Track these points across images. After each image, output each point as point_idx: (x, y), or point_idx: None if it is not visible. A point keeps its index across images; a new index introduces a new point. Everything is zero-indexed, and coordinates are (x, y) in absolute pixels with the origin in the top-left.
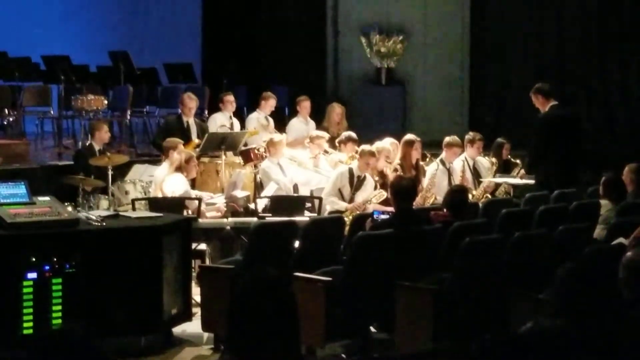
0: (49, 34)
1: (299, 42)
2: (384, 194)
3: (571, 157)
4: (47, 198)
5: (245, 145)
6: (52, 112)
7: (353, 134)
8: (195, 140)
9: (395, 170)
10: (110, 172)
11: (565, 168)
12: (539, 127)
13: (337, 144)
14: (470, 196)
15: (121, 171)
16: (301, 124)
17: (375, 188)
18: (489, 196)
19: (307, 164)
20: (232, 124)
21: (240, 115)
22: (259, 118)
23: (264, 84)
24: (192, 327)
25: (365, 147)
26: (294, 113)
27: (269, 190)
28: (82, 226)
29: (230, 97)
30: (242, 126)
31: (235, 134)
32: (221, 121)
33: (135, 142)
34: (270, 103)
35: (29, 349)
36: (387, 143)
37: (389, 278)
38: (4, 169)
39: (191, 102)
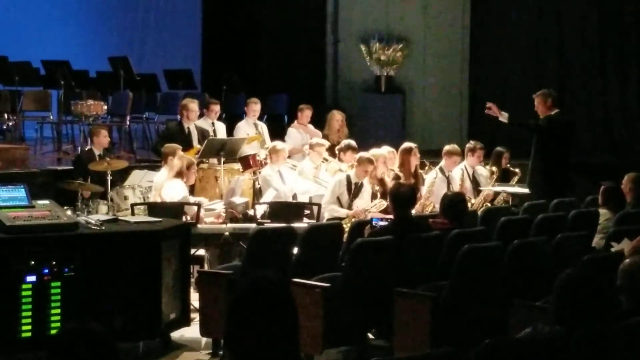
0: (49, 39)
1: (299, 49)
2: (384, 204)
3: (564, 165)
4: (46, 202)
5: None
6: (51, 117)
7: (353, 143)
8: (197, 146)
9: (397, 177)
10: (109, 178)
11: (557, 176)
12: (545, 130)
13: (337, 152)
14: (469, 205)
15: (120, 176)
16: (300, 132)
17: (375, 196)
18: (488, 205)
19: (307, 173)
20: (214, 131)
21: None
22: (247, 126)
23: (264, 91)
24: (191, 332)
25: (363, 154)
26: (293, 121)
27: (268, 196)
28: (82, 230)
29: (215, 107)
30: (230, 133)
31: (235, 141)
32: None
33: (135, 147)
34: (252, 108)
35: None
36: (384, 151)
37: (388, 285)
38: (3, 173)
39: (195, 106)
